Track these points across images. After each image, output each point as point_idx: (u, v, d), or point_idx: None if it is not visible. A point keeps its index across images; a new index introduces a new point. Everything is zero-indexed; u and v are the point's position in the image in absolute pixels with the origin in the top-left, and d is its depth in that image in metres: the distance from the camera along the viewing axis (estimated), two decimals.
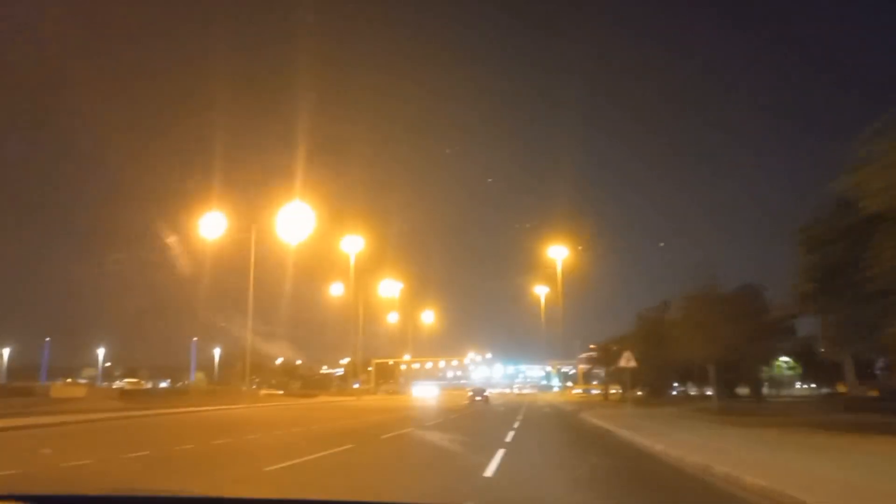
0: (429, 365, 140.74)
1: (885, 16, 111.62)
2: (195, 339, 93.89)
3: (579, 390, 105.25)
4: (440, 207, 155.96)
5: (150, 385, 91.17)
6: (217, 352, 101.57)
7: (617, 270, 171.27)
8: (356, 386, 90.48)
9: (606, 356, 54.37)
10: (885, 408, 25.22)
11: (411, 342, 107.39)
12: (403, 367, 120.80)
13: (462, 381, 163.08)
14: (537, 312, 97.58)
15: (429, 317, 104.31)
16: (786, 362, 50.36)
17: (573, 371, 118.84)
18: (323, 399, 63.59)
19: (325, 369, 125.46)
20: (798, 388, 64.88)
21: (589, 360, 72.19)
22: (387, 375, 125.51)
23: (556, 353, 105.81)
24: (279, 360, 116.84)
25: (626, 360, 24.48)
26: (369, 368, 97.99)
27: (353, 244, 78.34)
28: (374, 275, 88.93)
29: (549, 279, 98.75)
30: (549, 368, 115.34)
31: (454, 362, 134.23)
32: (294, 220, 61.37)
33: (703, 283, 26.27)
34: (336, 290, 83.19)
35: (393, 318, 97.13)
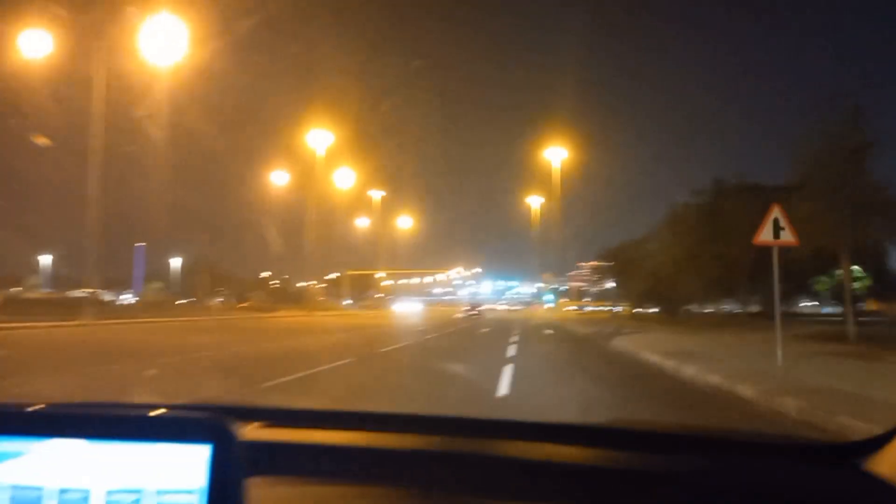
0: (415, 281, 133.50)
1: None
2: (141, 244, 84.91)
3: (574, 307, 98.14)
4: (420, 113, 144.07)
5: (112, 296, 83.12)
6: (177, 261, 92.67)
7: (618, 182, 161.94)
8: (347, 303, 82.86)
9: (623, 261, 44.54)
10: None
11: (392, 255, 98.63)
12: (389, 283, 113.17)
13: (448, 297, 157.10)
14: (529, 225, 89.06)
15: (410, 226, 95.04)
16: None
17: (565, 288, 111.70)
18: (283, 315, 55.08)
19: (303, 284, 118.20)
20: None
21: (594, 271, 63.16)
22: (369, 291, 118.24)
23: (550, 268, 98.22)
24: (265, 275, 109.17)
25: None
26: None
27: (321, 139, 67.93)
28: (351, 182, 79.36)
29: (545, 188, 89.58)
30: (540, 284, 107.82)
31: (439, 276, 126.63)
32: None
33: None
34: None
35: (371, 228, 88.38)
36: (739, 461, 1.36)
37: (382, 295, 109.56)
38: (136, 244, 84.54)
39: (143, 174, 69.05)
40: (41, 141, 37.66)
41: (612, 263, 48.86)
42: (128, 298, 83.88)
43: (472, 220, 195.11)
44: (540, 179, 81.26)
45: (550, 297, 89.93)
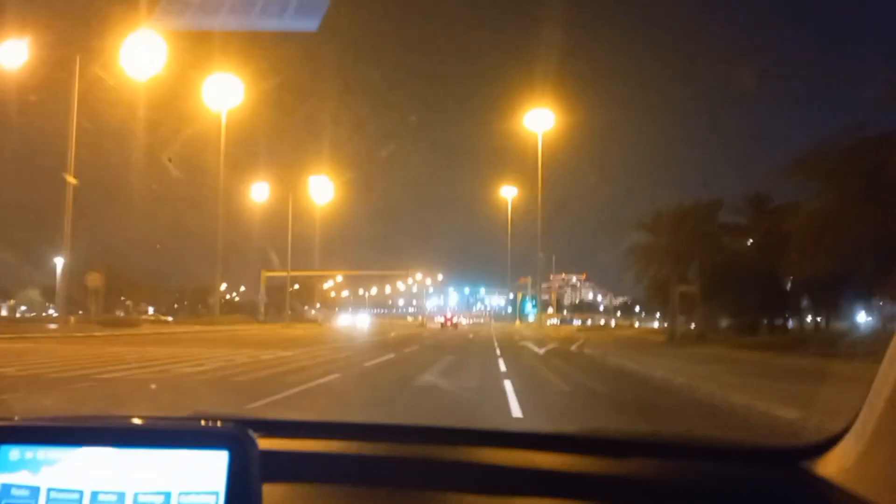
0: (371, 291, 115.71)
1: None
2: None
3: (555, 321, 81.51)
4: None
5: None
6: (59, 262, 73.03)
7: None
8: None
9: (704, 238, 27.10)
10: None
11: (340, 258, 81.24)
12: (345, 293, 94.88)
13: (407, 310, 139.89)
14: (501, 225, 72.26)
15: (357, 223, 77.70)
16: None
17: (544, 298, 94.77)
18: (150, 332, 37.17)
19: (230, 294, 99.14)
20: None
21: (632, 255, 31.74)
22: (316, 303, 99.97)
23: (526, 272, 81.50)
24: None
25: None
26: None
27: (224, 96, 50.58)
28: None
29: (522, 175, 73.34)
30: (515, 293, 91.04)
31: (391, 285, 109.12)
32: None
33: None
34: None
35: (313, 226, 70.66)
36: (691, 464, 1.41)
37: (311, 307, 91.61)
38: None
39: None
40: None
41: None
42: None
43: (435, 219, 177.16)
44: (517, 162, 65.43)
45: (531, 307, 72.06)
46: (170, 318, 61.68)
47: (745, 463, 1.42)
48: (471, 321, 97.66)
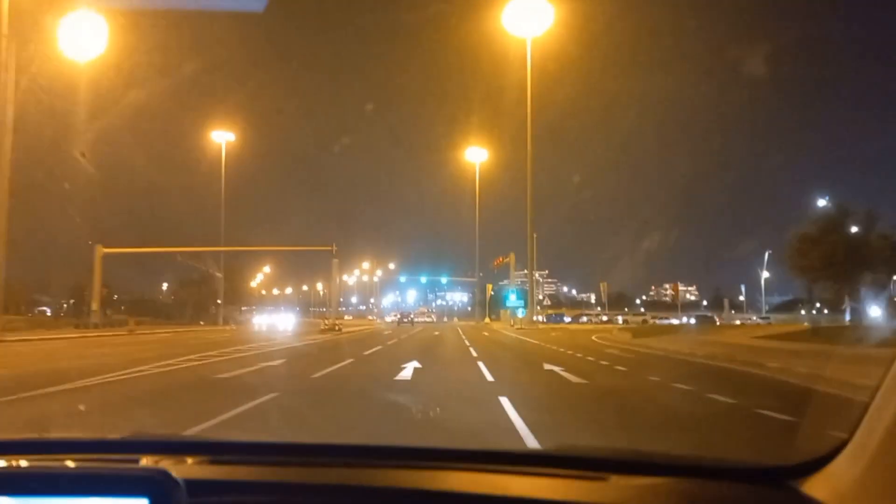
0: (318, 286, 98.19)
1: None
2: None
3: (539, 318, 64.61)
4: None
5: None
6: None
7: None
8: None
9: None
10: None
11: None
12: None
13: (361, 308, 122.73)
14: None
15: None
16: None
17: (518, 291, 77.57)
18: None
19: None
20: None
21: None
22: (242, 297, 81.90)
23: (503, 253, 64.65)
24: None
25: None
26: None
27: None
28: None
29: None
30: (481, 284, 73.86)
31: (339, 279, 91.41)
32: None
33: None
34: None
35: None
36: (680, 483, 1.37)
37: (239, 307, 73.62)
38: None
39: None
40: None
41: None
42: None
43: (384, 198, 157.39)
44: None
45: (518, 302, 52.92)
46: None
47: (732, 482, 1.37)
48: (427, 319, 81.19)
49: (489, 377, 11.59)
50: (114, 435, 1.70)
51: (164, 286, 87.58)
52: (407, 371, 12.05)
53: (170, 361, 14.11)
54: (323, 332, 36.41)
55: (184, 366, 13.43)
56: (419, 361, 14.13)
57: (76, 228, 49.81)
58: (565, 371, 12.39)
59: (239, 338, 28.55)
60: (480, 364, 14.21)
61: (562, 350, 20.09)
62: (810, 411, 7.28)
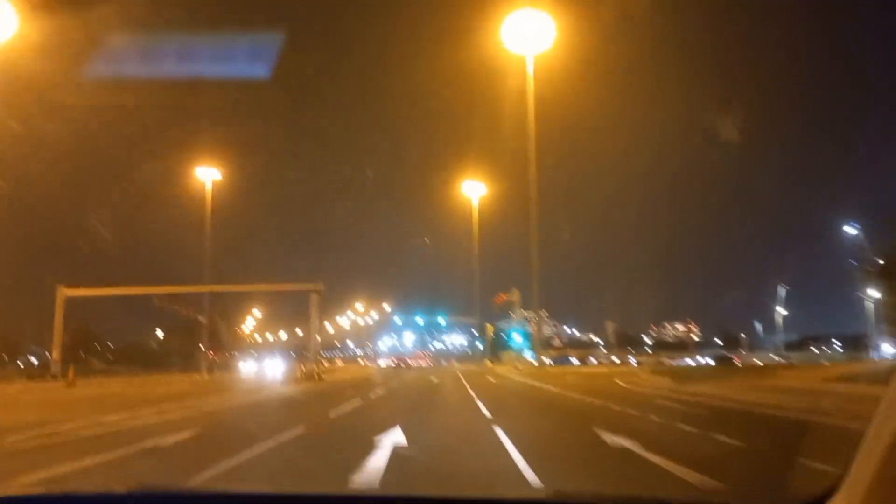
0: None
1: None
2: None
3: (548, 360, 58.84)
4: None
5: None
6: None
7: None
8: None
9: None
10: None
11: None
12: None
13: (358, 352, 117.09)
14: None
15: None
16: None
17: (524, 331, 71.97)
18: None
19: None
20: None
21: None
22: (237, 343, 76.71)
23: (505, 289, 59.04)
24: None
25: None
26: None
27: None
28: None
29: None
30: (480, 325, 68.20)
31: (331, 323, 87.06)
32: None
33: None
34: None
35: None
36: None
37: (231, 351, 68.15)
38: None
39: None
40: None
41: None
42: None
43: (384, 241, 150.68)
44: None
45: (524, 342, 46.80)
46: None
47: None
48: (424, 363, 75.96)
49: (528, 473, 6.15)
50: None
51: (160, 333, 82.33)
52: (380, 457, 7.00)
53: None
54: (298, 381, 31.06)
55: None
56: (405, 431, 9.09)
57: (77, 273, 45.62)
58: (645, 450, 7.42)
59: (197, 389, 23.49)
60: (499, 431, 9.30)
61: (598, 402, 15.19)
62: None
